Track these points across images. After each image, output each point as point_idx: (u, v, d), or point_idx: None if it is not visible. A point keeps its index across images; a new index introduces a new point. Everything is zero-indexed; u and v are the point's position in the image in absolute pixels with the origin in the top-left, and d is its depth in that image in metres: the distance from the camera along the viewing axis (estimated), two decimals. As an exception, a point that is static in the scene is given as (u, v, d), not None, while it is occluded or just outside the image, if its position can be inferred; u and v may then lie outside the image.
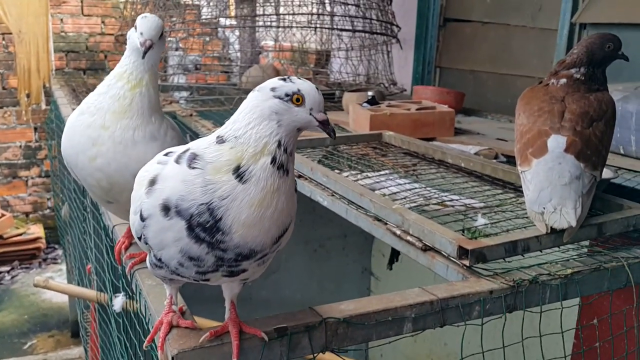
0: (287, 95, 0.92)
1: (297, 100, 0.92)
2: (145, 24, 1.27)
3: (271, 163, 0.91)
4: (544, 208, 1.38)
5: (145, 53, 1.25)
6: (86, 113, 1.28)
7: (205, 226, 0.90)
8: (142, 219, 0.94)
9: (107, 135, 1.24)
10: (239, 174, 0.90)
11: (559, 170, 1.43)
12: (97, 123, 1.25)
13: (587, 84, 1.61)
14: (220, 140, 0.93)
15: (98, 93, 1.29)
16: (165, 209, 0.91)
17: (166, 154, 0.97)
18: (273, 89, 0.93)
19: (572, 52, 1.66)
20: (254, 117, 0.92)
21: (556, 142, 1.49)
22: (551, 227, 1.35)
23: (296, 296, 2.63)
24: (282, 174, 0.92)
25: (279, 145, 0.92)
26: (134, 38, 1.27)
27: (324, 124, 0.95)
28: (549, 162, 1.46)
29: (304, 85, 0.93)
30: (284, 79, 0.94)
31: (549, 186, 1.41)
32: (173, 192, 0.90)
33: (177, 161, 0.93)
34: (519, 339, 1.25)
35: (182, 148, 0.96)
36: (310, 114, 0.94)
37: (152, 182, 0.93)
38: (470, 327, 1.18)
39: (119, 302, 1.52)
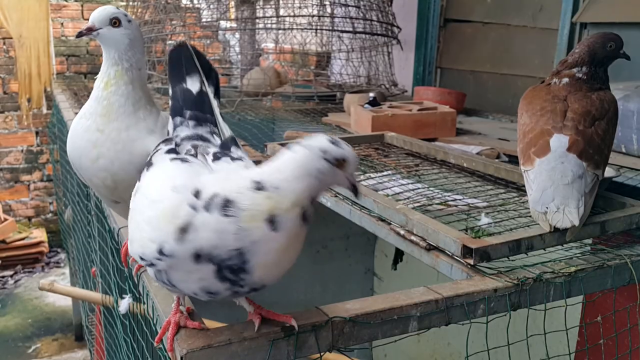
0: (336, 159, 0.97)
1: (341, 164, 0.97)
2: (94, 13, 1.29)
3: (301, 214, 0.94)
4: (547, 208, 1.39)
5: (79, 34, 1.28)
6: (83, 117, 1.29)
7: (233, 268, 0.93)
8: (162, 254, 0.94)
9: (104, 137, 1.26)
10: (272, 222, 0.92)
11: (561, 169, 1.44)
12: (93, 127, 1.27)
13: (589, 83, 1.61)
14: (258, 187, 0.94)
15: (90, 97, 1.32)
16: (197, 257, 0.92)
17: (195, 194, 0.95)
18: (324, 152, 0.96)
19: (573, 52, 1.66)
20: (300, 174, 0.95)
21: (559, 141, 1.49)
22: (554, 227, 1.35)
23: (299, 297, 2.64)
24: (304, 223, 0.96)
25: (312, 200, 0.96)
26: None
27: (354, 186, 1.02)
28: (552, 161, 1.46)
29: (350, 152, 0.98)
30: (333, 143, 0.97)
31: (551, 185, 1.42)
32: (207, 242, 0.91)
33: (208, 209, 0.92)
34: (521, 337, 1.26)
35: (209, 189, 0.95)
36: (346, 177, 0.99)
37: (184, 231, 0.92)
38: (473, 326, 1.19)
39: (124, 304, 1.52)
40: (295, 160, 0.96)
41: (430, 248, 1.40)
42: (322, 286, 2.81)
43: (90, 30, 1.28)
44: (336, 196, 1.87)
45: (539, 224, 1.40)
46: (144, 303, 1.27)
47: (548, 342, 1.29)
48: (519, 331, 1.26)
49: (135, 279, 1.32)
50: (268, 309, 1.11)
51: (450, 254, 1.34)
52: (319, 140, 0.97)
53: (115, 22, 1.28)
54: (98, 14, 1.29)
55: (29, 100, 5.75)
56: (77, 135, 1.30)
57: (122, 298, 1.53)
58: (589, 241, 1.49)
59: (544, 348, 1.29)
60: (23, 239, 5.87)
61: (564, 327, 1.32)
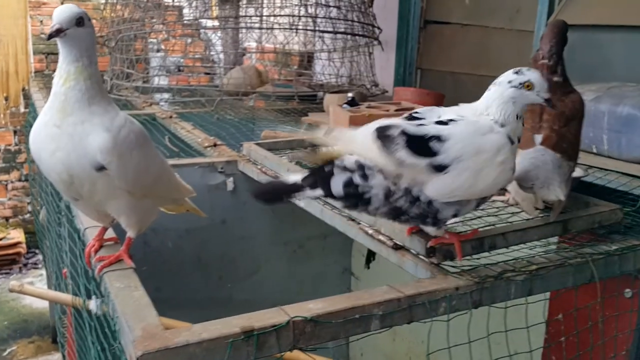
0: (520, 84, 1.25)
1: (528, 86, 1.25)
2: (57, 11, 1.27)
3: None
4: (532, 184, 1.48)
5: (50, 36, 1.26)
6: (43, 112, 1.30)
7: None
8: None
9: (60, 132, 1.26)
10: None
11: (542, 159, 1.54)
12: (50, 122, 1.27)
13: (563, 87, 1.67)
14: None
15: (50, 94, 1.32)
16: None
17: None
18: (510, 82, 1.26)
19: (549, 54, 1.70)
20: (499, 103, 1.26)
21: (538, 140, 1.60)
22: (542, 201, 1.41)
23: (276, 298, 2.61)
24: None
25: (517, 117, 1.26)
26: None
27: (547, 100, 1.28)
28: (533, 152, 1.56)
29: (533, 75, 1.26)
30: (516, 72, 1.27)
31: (534, 169, 1.51)
32: None
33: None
34: (494, 334, 1.28)
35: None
36: (537, 95, 1.26)
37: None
38: (445, 323, 1.20)
39: (94, 304, 1.51)
40: (491, 95, 1.27)
41: (397, 247, 1.41)
42: (299, 286, 2.80)
43: (59, 31, 1.27)
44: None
45: (522, 205, 1.46)
46: (105, 304, 1.27)
47: (518, 339, 1.31)
48: (492, 328, 1.27)
49: (98, 279, 1.32)
50: (245, 308, 1.13)
51: (416, 253, 1.35)
52: (505, 74, 1.27)
53: (80, 21, 1.28)
54: (64, 15, 1.27)
55: (6, 99, 5.69)
56: (36, 129, 1.31)
57: (90, 299, 1.52)
58: (554, 240, 1.51)
59: (513, 344, 1.31)
60: (0, 239, 5.81)
61: (530, 324, 1.34)
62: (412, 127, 1.21)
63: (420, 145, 1.18)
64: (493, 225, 1.46)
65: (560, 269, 1.30)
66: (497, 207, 1.66)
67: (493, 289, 1.22)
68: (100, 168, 1.28)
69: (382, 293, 1.17)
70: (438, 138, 1.18)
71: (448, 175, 1.18)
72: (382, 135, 1.18)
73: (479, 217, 1.55)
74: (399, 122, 1.23)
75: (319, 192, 1.22)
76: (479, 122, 1.24)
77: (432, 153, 1.18)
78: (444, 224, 1.28)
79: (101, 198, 1.34)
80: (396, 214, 1.25)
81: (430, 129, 1.21)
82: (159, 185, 1.48)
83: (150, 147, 1.44)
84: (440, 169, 1.18)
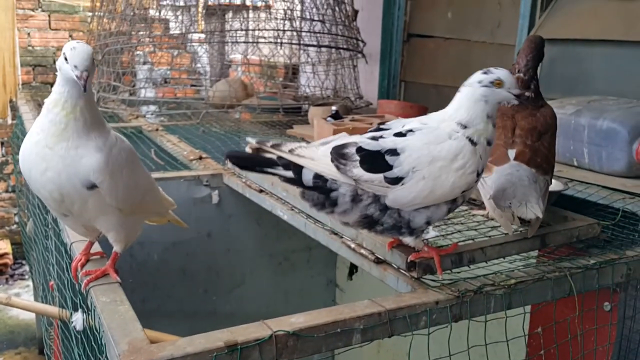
0: (491, 82, 1.28)
1: (498, 84, 1.28)
2: (78, 55, 1.25)
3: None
4: (510, 203, 1.48)
5: (85, 86, 1.26)
6: (34, 132, 1.31)
7: None
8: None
9: (53, 153, 1.27)
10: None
11: (518, 175, 1.55)
12: (42, 142, 1.28)
13: (534, 102, 1.69)
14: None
15: (41, 114, 1.31)
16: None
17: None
18: (480, 81, 1.29)
19: (526, 67, 1.73)
20: (471, 104, 1.28)
21: (511, 155, 1.60)
22: (519, 218, 1.44)
23: (261, 310, 2.65)
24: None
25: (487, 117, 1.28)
26: (67, 70, 1.26)
27: (517, 96, 1.30)
28: (508, 169, 1.57)
29: (501, 73, 1.29)
30: (485, 72, 1.29)
31: (511, 186, 1.52)
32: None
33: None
34: (480, 347, 1.30)
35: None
36: (508, 91, 1.29)
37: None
38: (431, 337, 1.22)
39: (79, 320, 1.52)
40: (461, 97, 1.29)
41: (378, 261, 1.44)
42: (284, 298, 2.82)
43: (88, 77, 1.26)
44: (292, 209, 1.90)
45: (499, 221, 1.48)
46: (92, 318, 1.28)
47: (500, 351, 1.33)
48: (473, 341, 1.30)
49: (84, 293, 1.33)
50: (229, 321, 1.14)
51: (397, 267, 1.38)
52: (474, 75, 1.30)
53: (93, 59, 1.29)
54: (87, 61, 1.26)
55: (-7, 111, 5.68)
56: (26, 148, 1.32)
57: (76, 314, 1.53)
58: (534, 254, 1.54)
59: (495, 357, 1.33)
60: (-14, 251, 5.77)
61: (510, 337, 1.36)
62: (368, 143, 1.26)
63: (376, 160, 1.23)
64: (473, 239, 1.48)
65: (539, 282, 1.33)
66: (477, 221, 1.69)
67: (473, 303, 1.25)
68: (92, 187, 1.30)
69: (363, 307, 1.19)
70: (393, 151, 1.23)
71: (405, 186, 1.22)
72: (339, 153, 1.24)
73: (460, 232, 1.57)
74: (357, 138, 1.28)
75: (289, 174, 1.26)
76: (438, 129, 1.27)
77: (387, 167, 1.23)
78: (421, 233, 1.31)
79: (91, 215, 1.36)
80: (370, 224, 1.29)
81: (387, 142, 1.25)
82: (147, 201, 1.50)
83: (139, 164, 1.47)
84: (396, 181, 1.23)
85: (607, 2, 2.72)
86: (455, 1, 3.74)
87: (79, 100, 1.29)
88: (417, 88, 4.16)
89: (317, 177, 1.25)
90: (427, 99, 3.89)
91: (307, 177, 1.25)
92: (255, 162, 1.28)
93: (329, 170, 1.24)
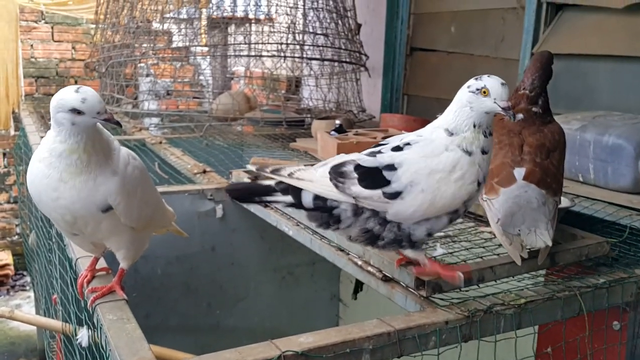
0: (477, 89, 1.23)
1: (484, 92, 1.23)
2: (94, 103, 1.22)
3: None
4: (519, 230, 1.45)
5: (119, 123, 1.26)
6: (42, 163, 1.26)
7: None
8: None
9: (68, 187, 1.24)
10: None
11: (526, 197, 1.51)
12: (55, 177, 1.24)
13: (542, 117, 1.68)
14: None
15: (50, 154, 1.25)
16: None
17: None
18: (468, 86, 1.26)
19: (531, 85, 1.72)
20: (457, 107, 1.26)
21: (519, 174, 1.57)
22: (528, 248, 1.41)
23: (265, 324, 2.63)
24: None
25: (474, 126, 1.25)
26: (86, 121, 1.22)
27: (506, 109, 1.24)
28: (515, 190, 1.53)
29: (490, 82, 1.24)
30: (476, 78, 1.26)
31: (519, 210, 1.49)
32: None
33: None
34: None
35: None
36: (494, 102, 1.23)
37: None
38: (440, 356, 1.21)
39: (85, 336, 1.51)
40: (453, 101, 1.28)
41: (386, 279, 1.43)
42: (288, 312, 2.80)
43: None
44: (297, 225, 1.89)
45: (507, 248, 1.44)
46: (98, 336, 1.27)
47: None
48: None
49: (90, 310, 1.32)
50: (232, 335, 1.14)
51: (405, 286, 1.37)
52: (469, 80, 1.27)
53: None
54: (102, 101, 1.25)
55: (-4, 122, 5.69)
56: (35, 177, 1.27)
57: (81, 330, 1.52)
58: (542, 272, 1.53)
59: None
60: (-12, 262, 5.76)
61: (520, 357, 1.35)
62: (366, 160, 1.26)
63: (374, 176, 1.23)
64: (482, 257, 1.47)
65: (549, 302, 1.32)
66: (484, 238, 1.68)
67: (482, 323, 1.24)
68: (107, 209, 1.28)
69: (372, 327, 1.18)
70: (391, 166, 1.23)
71: (404, 200, 1.22)
72: (337, 172, 1.25)
73: (467, 249, 1.56)
74: (355, 156, 1.28)
75: (289, 198, 1.26)
76: (435, 141, 1.26)
77: (385, 182, 1.22)
78: (423, 245, 1.31)
79: (104, 235, 1.35)
80: (372, 239, 1.28)
81: (385, 157, 1.25)
82: (156, 216, 1.49)
83: (150, 180, 1.46)
84: (394, 195, 1.22)
85: (612, 17, 2.72)
86: (458, 15, 3.74)
87: (95, 138, 1.26)
88: (419, 102, 4.16)
89: (317, 197, 1.25)
90: (429, 112, 3.88)
91: (307, 200, 1.26)
92: (254, 192, 1.30)
93: (328, 190, 1.24)
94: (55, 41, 5.98)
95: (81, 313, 1.54)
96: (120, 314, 1.26)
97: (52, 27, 5.95)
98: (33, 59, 5.92)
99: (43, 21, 5.90)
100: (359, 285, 2.75)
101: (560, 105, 2.93)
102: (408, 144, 1.27)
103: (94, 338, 1.50)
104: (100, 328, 1.23)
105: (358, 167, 1.24)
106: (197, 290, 2.56)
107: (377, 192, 1.22)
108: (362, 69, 4.09)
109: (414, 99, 4.21)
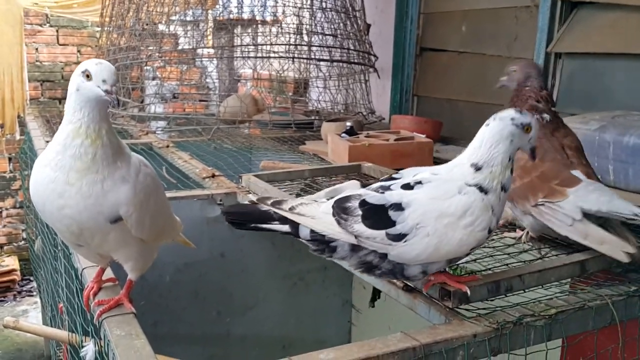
0: (522, 124, 1.21)
1: (527, 129, 1.21)
2: (105, 70, 1.17)
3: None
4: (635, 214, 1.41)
5: (118, 101, 1.18)
6: (48, 166, 1.19)
7: None
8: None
9: (74, 190, 1.17)
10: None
11: (607, 189, 1.50)
12: (61, 179, 1.17)
13: (558, 117, 1.68)
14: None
15: (56, 151, 1.19)
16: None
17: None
18: (513, 119, 1.21)
19: (542, 86, 1.70)
20: (497, 140, 1.21)
21: (579, 175, 1.54)
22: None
23: (275, 332, 2.57)
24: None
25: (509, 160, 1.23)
26: (90, 87, 1.16)
27: (533, 149, 1.25)
28: (590, 185, 1.50)
29: (533, 120, 1.22)
30: (519, 112, 1.22)
31: (612, 194, 1.46)
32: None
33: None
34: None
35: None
36: (529, 141, 1.23)
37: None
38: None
39: (90, 351, 1.45)
40: (487, 130, 1.22)
41: (407, 289, 1.36)
42: (299, 320, 2.74)
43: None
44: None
45: (601, 249, 1.40)
46: (105, 353, 1.21)
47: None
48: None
49: (97, 324, 1.26)
50: (242, 344, 1.08)
51: (428, 296, 1.30)
52: (508, 112, 1.22)
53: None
54: (115, 75, 1.19)
55: (1, 126, 5.65)
56: (39, 183, 1.20)
57: (86, 344, 1.46)
58: (568, 279, 1.46)
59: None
60: (-6, 267, 5.73)
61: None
62: (373, 196, 1.20)
63: (379, 215, 1.18)
64: (507, 265, 1.40)
65: (580, 312, 1.25)
66: (507, 244, 1.61)
67: (512, 335, 1.17)
68: (116, 220, 1.21)
69: (397, 341, 1.12)
70: (398, 206, 1.17)
71: (408, 243, 1.16)
72: (341, 207, 1.20)
73: (491, 256, 1.50)
74: (362, 191, 1.24)
75: (286, 228, 1.24)
76: (448, 182, 1.20)
77: (390, 223, 1.17)
78: (417, 280, 1.26)
79: (111, 247, 1.28)
80: (368, 269, 1.24)
81: (393, 196, 1.19)
82: (167, 227, 1.43)
83: (162, 189, 1.39)
84: (398, 238, 1.17)
85: (629, 15, 2.65)
86: (469, 14, 3.67)
87: (102, 124, 1.19)
88: (430, 103, 4.09)
89: (314, 231, 1.21)
90: (440, 113, 3.82)
91: (304, 233, 1.22)
92: (251, 218, 1.26)
93: (329, 228, 1.20)
94: (61, 44, 5.94)
95: (87, 325, 1.48)
96: (128, 329, 1.19)
97: (57, 31, 5.91)
98: (38, 63, 5.88)
99: (48, 24, 5.87)
100: (376, 294, 2.68)
101: (576, 105, 2.86)
102: (420, 182, 1.21)
103: (100, 352, 1.45)
104: (108, 344, 1.17)
105: (363, 203, 1.19)
106: (206, 298, 2.50)
107: (381, 233, 1.17)
108: (371, 69, 4.04)
109: (424, 100, 4.14)
